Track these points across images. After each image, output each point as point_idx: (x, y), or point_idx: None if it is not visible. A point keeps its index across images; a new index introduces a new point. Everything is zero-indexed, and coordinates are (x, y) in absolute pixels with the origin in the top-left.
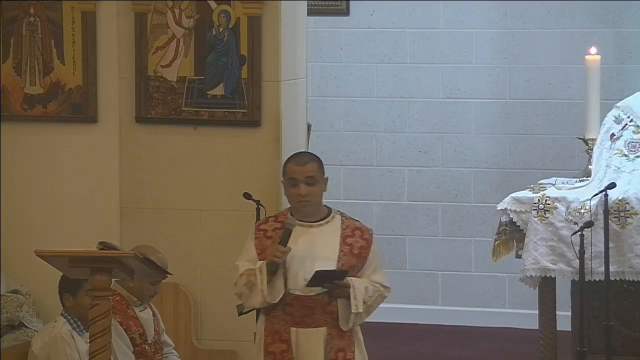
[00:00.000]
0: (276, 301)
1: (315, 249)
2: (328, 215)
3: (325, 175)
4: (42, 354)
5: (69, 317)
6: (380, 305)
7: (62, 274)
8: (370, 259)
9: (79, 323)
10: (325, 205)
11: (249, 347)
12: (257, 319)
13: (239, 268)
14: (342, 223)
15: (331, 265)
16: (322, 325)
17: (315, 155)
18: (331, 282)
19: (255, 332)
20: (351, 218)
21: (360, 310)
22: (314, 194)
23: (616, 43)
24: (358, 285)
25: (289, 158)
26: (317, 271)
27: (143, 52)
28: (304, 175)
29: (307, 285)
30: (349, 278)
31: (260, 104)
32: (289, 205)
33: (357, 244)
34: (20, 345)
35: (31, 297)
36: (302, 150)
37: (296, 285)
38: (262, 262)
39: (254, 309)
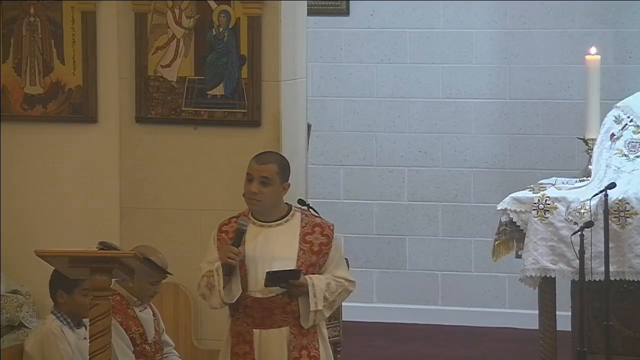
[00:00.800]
0: (234, 301)
1: (274, 249)
2: (287, 214)
3: (288, 182)
4: (36, 352)
5: (58, 314)
6: (380, 305)
7: (53, 270)
8: (332, 254)
9: (69, 320)
10: (286, 204)
11: None
12: None
13: (202, 270)
14: (301, 221)
15: (290, 265)
16: (283, 325)
17: (281, 158)
18: (286, 281)
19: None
20: (313, 215)
21: (320, 307)
22: (265, 194)
23: (616, 43)
24: (318, 282)
25: (256, 154)
26: (267, 272)
27: (143, 52)
28: (260, 174)
29: (265, 286)
30: (308, 276)
31: (260, 104)
32: None
33: (317, 241)
34: (20, 345)
35: (31, 298)
36: (270, 151)
37: (256, 287)
38: (218, 263)
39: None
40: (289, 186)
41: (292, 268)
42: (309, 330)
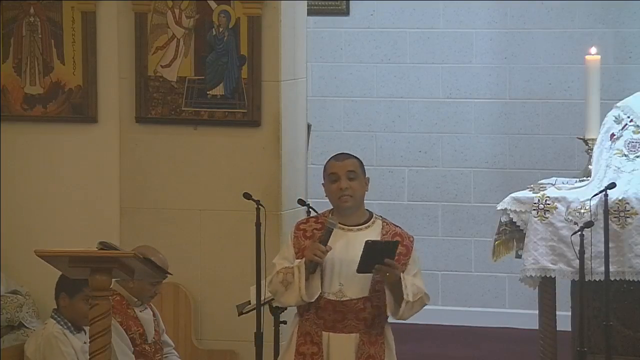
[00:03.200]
0: (313, 300)
1: (353, 253)
2: (369, 220)
3: (367, 176)
4: (37, 356)
5: (59, 318)
6: None
7: (58, 274)
8: (411, 266)
9: (69, 324)
10: (367, 210)
11: (249, 347)
12: (257, 320)
13: (276, 265)
14: (382, 228)
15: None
16: (354, 331)
17: (356, 156)
18: (381, 261)
19: (254, 333)
20: (393, 224)
21: (411, 299)
22: (355, 189)
23: (616, 43)
24: (408, 277)
25: (329, 159)
26: (366, 242)
27: (143, 52)
28: (345, 169)
29: (358, 270)
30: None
31: (260, 104)
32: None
33: (397, 250)
34: (20, 346)
35: (31, 298)
36: (342, 152)
37: (330, 289)
38: (300, 260)
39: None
40: (369, 181)
41: (389, 240)
42: (377, 340)
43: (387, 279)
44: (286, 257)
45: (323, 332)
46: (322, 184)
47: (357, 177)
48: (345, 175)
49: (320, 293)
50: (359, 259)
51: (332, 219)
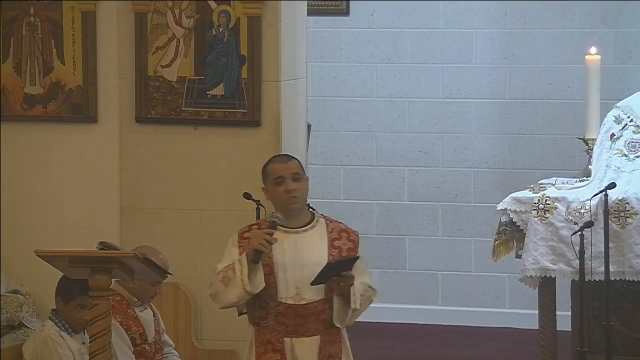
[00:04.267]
0: (256, 291)
1: (303, 255)
2: (312, 220)
3: (306, 175)
4: (35, 358)
5: (56, 319)
6: (380, 305)
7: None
8: (359, 261)
9: (67, 325)
10: (308, 209)
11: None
12: None
13: (217, 270)
14: (327, 226)
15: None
16: (316, 333)
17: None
18: (338, 274)
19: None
20: (335, 220)
21: (359, 306)
22: (301, 189)
23: (616, 43)
24: (356, 283)
25: (267, 162)
26: (328, 262)
27: (143, 52)
28: (290, 171)
29: (312, 284)
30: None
31: (260, 104)
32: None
33: (345, 247)
34: (20, 346)
35: (31, 297)
36: (284, 154)
37: (287, 293)
38: (242, 255)
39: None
40: (308, 180)
41: (349, 256)
42: (335, 339)
43: (340, 290)
44: (239, 260)
45: (285, 338)
46: (262, 187)
47: (301, 178)
48: (290, 177)
49: (278, 299)
50: (317, 274)
51: (277, 213)
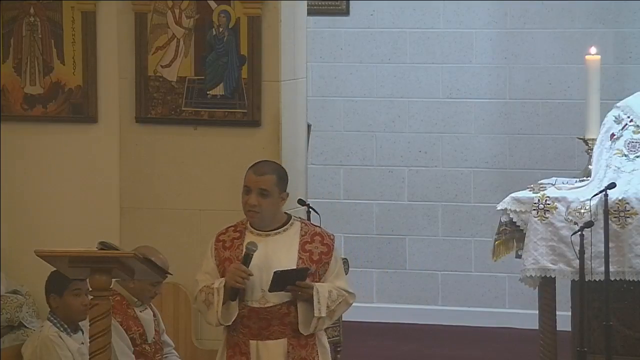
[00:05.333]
0: (229, 324)
1: (272, 258)
2: (287, 223)
3: (286, 192)
4: (34, 359)
5: (54, 320)
6: (380, 305)
7: (48, 274)
8: (332, 264)
9: (66, 325)
10: (285, 213)
11: None
12: None
13: (198, 282)
14: (301, 230)
15: None
16: (281, 336)
17: (279, 168)
18: (293, 283)
19: None
20: (312, 224)
21: (323, 314)
22: (264, 206)
23: (616, 43)
24: (322, 289)
25: (252, 164)
26: (275, 272)
27: (143, 52)
28: (258, 186)
29: (269, 291)
30: (312, 283)
31: (260, 104)
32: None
33: (317, 250)
34: (20, 346)
35: (31, 298)
36: (267, 161)
37: (253, 296)
38: (221, 280)
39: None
40: (287, 196)
41: (297, 267)
42: (308, 342)
43: (300, 298)
44: (208, 271)
45: (250, 341)
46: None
47: (269, 195)
48: (256, 191)
49: (244, 302)
50: (269, 284)
51: (252, 243)
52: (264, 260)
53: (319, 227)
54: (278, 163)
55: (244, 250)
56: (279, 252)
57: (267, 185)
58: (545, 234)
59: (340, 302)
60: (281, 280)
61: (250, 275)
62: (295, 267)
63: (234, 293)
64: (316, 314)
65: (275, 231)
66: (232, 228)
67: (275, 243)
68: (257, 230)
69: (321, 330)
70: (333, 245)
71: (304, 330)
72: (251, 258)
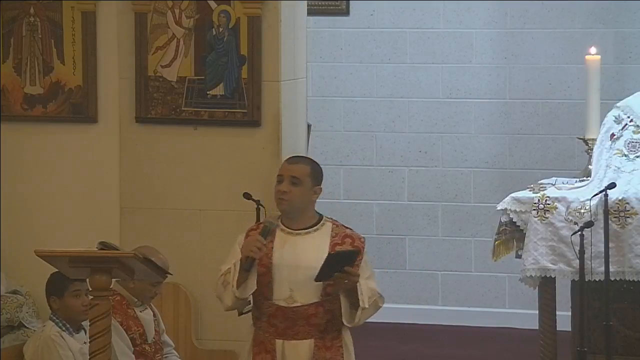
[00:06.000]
0: (246, 297)
1: (301, 257)
2: (318, 223)
3: (320, 186)
4: (36, 359)
5: (56, 319)
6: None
7: (48, 275)
8: (363, 267)
9: (68, 325)
10: (317, 212)
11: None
12: None
13: (221, 271)
14: (332, 230)
15: (315, 274)
16: (307, 337)
17: (314, 162)
18: (341, 269)
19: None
20: (343, 225)
21: (367, 305)
22: (294, 194)
23: (616, 43)
24: (362, 282)
25: (289, 157)
26: (329, 254)
27: (143, 52)
28: (290, 173)
29: (316, 279)
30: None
31: (260, 104)
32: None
33: None
34: (20, 346)
35: (31, 298)
36: (303, 155)
37: (280, 295)
38: (237, 259)
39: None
40: (320, 191)
41: (351, 249)
42: (333, 344)
43: (345, 286)
44: (233, 263)
45: (276, 340)
46: None
47: (300, 184)
48: (288, 179)
49: (271, 300)
50: (319, 269)
51: (272, 217)
52: (293, 260)
53: (350, 229)
54: (314, 160)
55: (264, 224)
56: (308, 252)
57: (298, 174)
58: (545, 234)
59: (374, 301)
60: (332, 263)
61: (264, 246)
62: (346, 249)
63: (249, 263)
64: (361, 304)
65: (306, 230)
66: (263, 224)
67: (305, 242)
68: (287, 228)
69: (347, 332)
70: (363, 248)
71: (349, 321)
72: (269, 231)
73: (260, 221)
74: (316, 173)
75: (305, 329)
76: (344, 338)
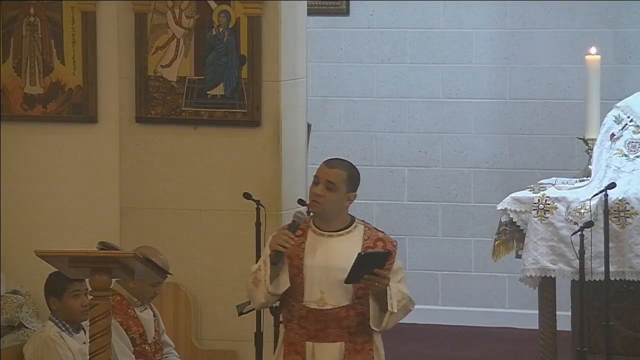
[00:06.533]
0: (279, 293)
1: (332, 260)
2: (350, 225)
3: (354, 193)
4: (36, 359)
5: (56, 320)
6: None
7: (47, 276)
8: (394, 270)
9: (67, 325)
10: (350, 215)
11: (249, 347)
12: (257, 320)
13: (251, 270)
14: (364, 234)
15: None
16: (338, 340)
17: (352, 167)
18: (371, 271)
19: (254, 333)
20: (375, 229)
21: (395, 310)
22: (328, 199)
23: (616, 43)
24: (393, 286)
25: (328, 159)
26: (359, 254)
27: (143, 52)
28: (326, 177)
29: (346, 281)
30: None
31: (260, 104)
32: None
33: None
34: (20, 346)
35: (31, 298)
36: (342, 159)
37: (311, 297)
38: (267, 255)
39: (255, 309)
40: (354, 197)
41: (382, 250)
42: (364, 347)
43: (375, 289)
44: (264, 260)
45: (307, 342)
46: None
47: (335, 190)
48: (324, 183)
49: (302, 302)
50: (349, 270)
51: (300, 212)
52: (324, 262)
53: (382, 232)
54: (353, 164)
55: (292, 218)
56: (339, 255)
57: (334, 179)
58: (545, 234)
59: (404, 304)
60: (362, 264)
61: (292, 239)
62: (378, 250)
63: (277, 257)
64: (389, 308)
65: (338, 232)
66: None
67: (336, 245)
68: (319, 229)
69: (378, 336)
70: (395, 252)
71: (376, 325)
72: (297, 226)
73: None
74: (353, 179)
75: (336, 332)
76: (375, 341)
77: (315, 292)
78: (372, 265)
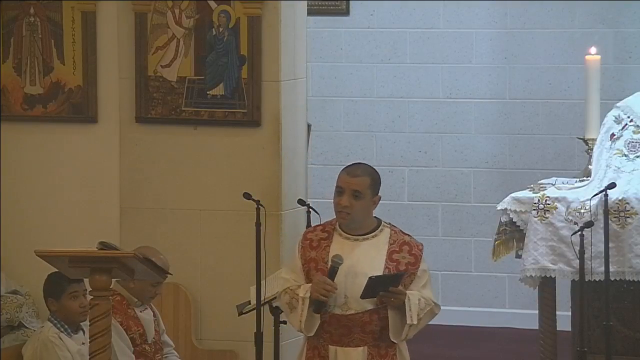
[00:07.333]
0: (311, 334)
1: (358, 264)
2: (376, 229)
3: (378, 195)
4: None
5: (55, 320)
6: None
7: (45, 277)
8: (420, 274)
9: (66, 326)
10: (375, 217)
11: (249, 347)
12: (257, 320)
13: (285, 280)
14: (390, 237)
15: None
16: (361, 345)
17: (373, 171)
18: (386, 289)
19: (254, 333)
20: (401, 232)
21: (415, 322)
22: (356, 208)
23: (616, 43)
24: (412, 297)
25: (346, 166)
26: (370, 277)
27: (143, 52)
28: (351, 187)
29: (362, 297)
30: (404, 290)
31: (260, 104)
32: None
33: (404, 260)
34: (20, 346)
35: (31, 298)
36: (361, 163)
37: (336, 301)
38: (307, 290)
39: (253, 309)
40: (379, 200)
41: (391, 273)
42: (388, 352)
43: (392, 304)
44: (293, 269)
45: (330, 346)
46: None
47: (362, 198)
48: (349, 193)
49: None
50: (362, 289)
51: (338, 257)
52: (350, 266)
53: (408, 235)
54: (372, 166)
55: (330, 263)
56: (365, 259)
57: (360, 187)
58: (545, 234)
59: (427, 312)
60: (375, 285)
61: (335, 289)
62: (390, 273)
63: (318, 306)
64: (408, 321)
65: (364, 237)
66: (321, 228)
67: (362, 249)
68: (345, 233)
69: (405, 341)
70: (421, 256)
71: (396, 337)
72: (337, 271)
73: (312, 225)
74: (375, 183)
75: (359, 337)
76: (398, 346)
77: (340, 296)
78: (386, 284)
